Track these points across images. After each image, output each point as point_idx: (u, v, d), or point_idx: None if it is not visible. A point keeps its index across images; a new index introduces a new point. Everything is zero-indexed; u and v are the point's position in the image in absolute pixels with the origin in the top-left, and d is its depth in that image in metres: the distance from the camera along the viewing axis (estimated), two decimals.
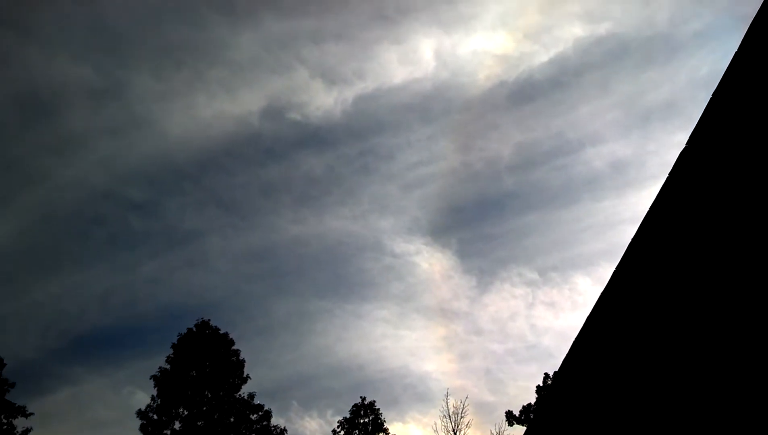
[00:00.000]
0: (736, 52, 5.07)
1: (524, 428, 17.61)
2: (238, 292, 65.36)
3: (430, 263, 65.81)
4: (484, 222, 76.11)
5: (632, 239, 5.96)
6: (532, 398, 43.80)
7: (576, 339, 6.90)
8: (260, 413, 37.69)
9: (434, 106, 67.96)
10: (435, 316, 60.41)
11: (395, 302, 65.89)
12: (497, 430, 41.82)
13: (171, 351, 37.59)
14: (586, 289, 60.35)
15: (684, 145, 5.46)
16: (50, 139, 66.56)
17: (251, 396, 38.04)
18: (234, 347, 38.69)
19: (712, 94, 5.17)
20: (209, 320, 39.07)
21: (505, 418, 43.32)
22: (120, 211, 68.94)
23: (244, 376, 38.38)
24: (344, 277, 70.69)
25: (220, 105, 64.75)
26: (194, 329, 38.41)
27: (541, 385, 43.80)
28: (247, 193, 71.57)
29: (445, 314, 59.99)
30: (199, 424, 35.79)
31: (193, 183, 71.41)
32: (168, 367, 37.06)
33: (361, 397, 43.20)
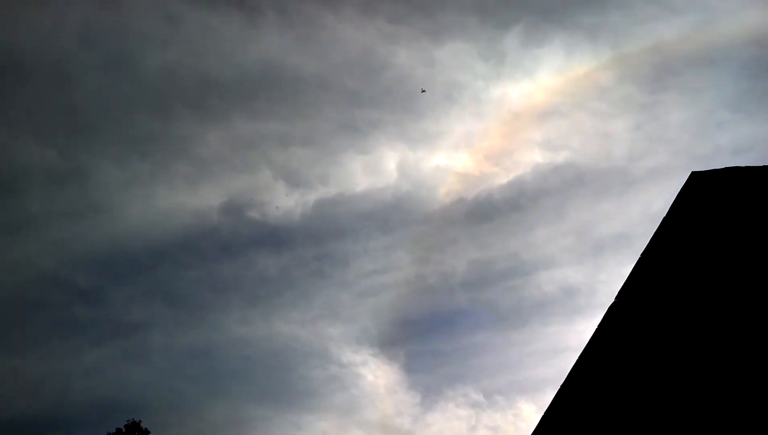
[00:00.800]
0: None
1: None
2: (175, 391, 63.42)
3: (376, 376, 65.65)
4: (434, 337, 76.89)
5: (569, 372, 6.33)
6: None
7: None
8: None
9: (394, 217, 69.75)
10: (376, 432, 59.56)
11: (337, 414, 65.09)
12: None
13: None
14: (531, 416, 60.42)
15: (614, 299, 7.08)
16: (4, 218, 65.21)
17: None
18: None
19: (640, 256, 7.12)
20: (140, 422, 37.57)
21: None
22: (64, 297, 67.35)
23: None
24: (287, 383, 69.43)
25: (180, 197, 65.11)
26: (123, 430, 36.89)
27: None
28: (197, 289, 71.04)
29: (387, 430, 59.31)
30: None
31: (144, 273, 70.63)
32: None
33: None
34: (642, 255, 8.59)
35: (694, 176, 8.85)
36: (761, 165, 8.75)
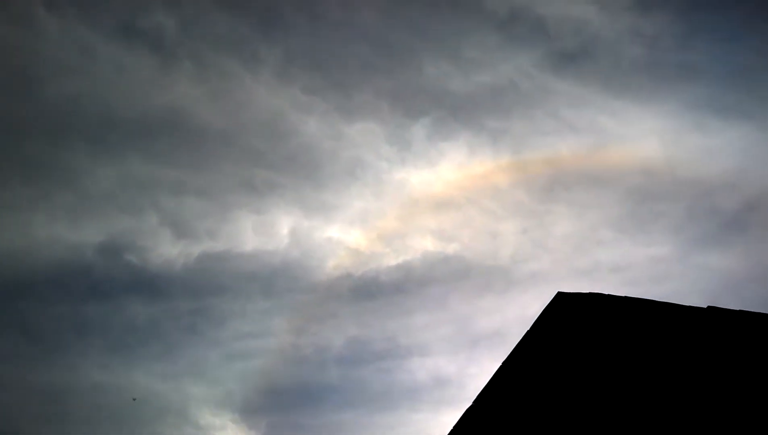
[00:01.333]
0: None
1: None
2: (15, 431, 58.26)
3: None
4: (300, 410, 75.38)
5: None
6: None
7: None
8: None
9: (278, 282, 68.91)
10: None
11: None
12: None
13: None
14: None
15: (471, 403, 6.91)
16: None
17: None
18: None
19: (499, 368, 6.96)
20: None
21: None
22: None
23: None
24: None
25: (58, 229, 61.23)
26: None
27: None
28: (59, 326, 66.41)
29: None
30: None
31: (4, 302, 65.53)
32: None
33: None
34: (501, 364, 8.66)
35: (560, 296, 9.07)
36: (624, 295, 9.05)
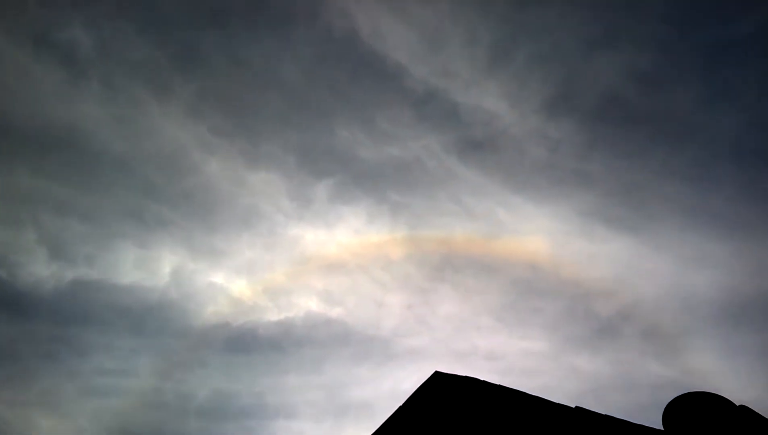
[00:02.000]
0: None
1: None
2: None
3: None
4: None
5: None
6: None
7: None
8: None
9: (151, 321, 66.07)
10: None
11: None
12: None
13: None
14: None
15: None
16: None
17: None
18: None
19: None
20: None
21: None
22: None
23: None
24: None
25: None
26: None
27: None
28: None
29: None
30: None
31: None
32: None
33: None
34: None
35: (436, 375, 9.00)
36: (498, 383, 9.10)
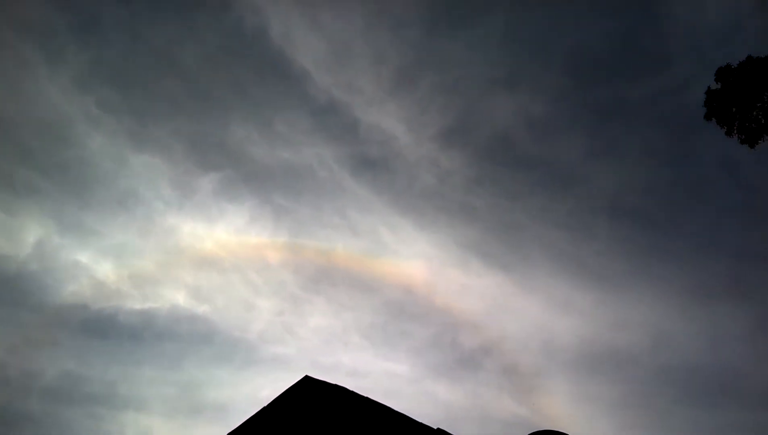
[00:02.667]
0: None
1: None
2: None
3: None
4: None
5: None
6: None
7: None
8: None
9: (5, 292, 61.69)
10: None
11: None
12: None
13: None
14: None
15: None
16: None
17: None
18: None
19: None
20: None
21: None
22: None
23: None
24: None
25: None
26: None
27: None
28: None
29: None
30: None
31: None
32: None
33: None
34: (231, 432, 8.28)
35: (306, 380, 8.93)
36: (366, 396, 9.14)
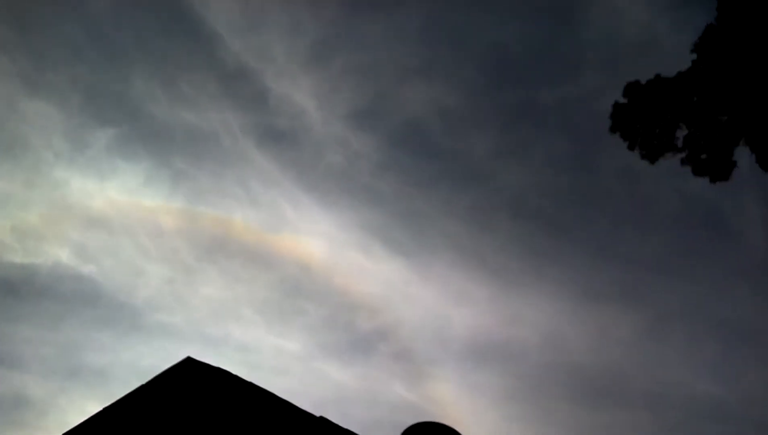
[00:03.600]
0: None
1: None
2: None
3: None
4: None
5: None
6: None
7: None
8: None
9: None
10: None
11: None
12: None
13: None
14: None
15: None
16: None
17: None
18: None
19: None
20: None
21: None
22: None
23: None
24: None
25: None
26: None
27: None
28: None
29: None
30: None
31: None
32: None
33: None
34: (107, 407, 7.83)
35: (188, 361, 8.52)
36: (249, 381, 8.84)
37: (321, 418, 8.86)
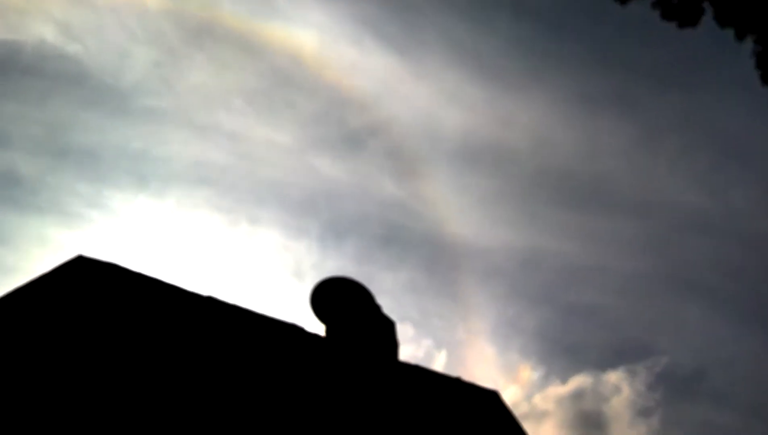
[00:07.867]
0: None
1: None
2: None
3: None
4: None
5: None
6: None
7: None
8: None
9: None
10: None
11: None
12: None
13: None
14: None
15: None
16: None
17: None
18: None
19: None
20: None
21: None
22: None
23: None
24: None
25: None
26: None
27: None
28: None
29: None
30: None
31: None
32: None
33: None
34: None
35: (79, 260, 9.21)
36: (140, 272, 9.59)
37: (209, 297, 9.83)
